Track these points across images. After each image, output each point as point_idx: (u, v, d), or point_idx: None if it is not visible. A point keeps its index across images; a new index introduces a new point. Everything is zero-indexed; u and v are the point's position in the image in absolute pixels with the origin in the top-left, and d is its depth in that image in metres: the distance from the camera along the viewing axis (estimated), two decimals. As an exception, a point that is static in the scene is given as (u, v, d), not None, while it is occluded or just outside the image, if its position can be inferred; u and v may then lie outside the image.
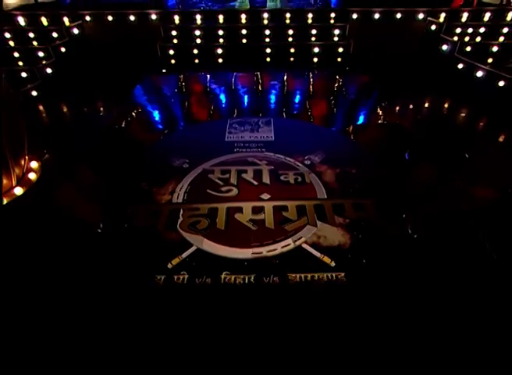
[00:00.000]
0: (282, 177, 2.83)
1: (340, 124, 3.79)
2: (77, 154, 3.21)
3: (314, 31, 5.41)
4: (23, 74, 4.64)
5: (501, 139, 3.82)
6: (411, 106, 4.64)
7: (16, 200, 2.57)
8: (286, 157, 3.06)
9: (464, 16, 5.79)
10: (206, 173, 2.89)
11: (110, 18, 5.54)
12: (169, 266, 2.15)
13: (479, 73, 4.94)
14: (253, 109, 4.00)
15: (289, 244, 2.30)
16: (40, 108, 4.35)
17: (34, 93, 4.53)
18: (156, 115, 4.06)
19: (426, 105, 4.84)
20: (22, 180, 2.75)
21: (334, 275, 2.09)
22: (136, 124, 3.82)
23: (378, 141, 3.48)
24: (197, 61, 5.30)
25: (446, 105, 4.85)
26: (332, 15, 5.61)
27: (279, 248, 2.28)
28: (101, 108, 4.38)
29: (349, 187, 2.77)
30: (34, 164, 2.97)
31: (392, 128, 3.72)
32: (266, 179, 2.81)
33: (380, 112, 4.15)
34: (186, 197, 2.67)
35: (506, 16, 5.80)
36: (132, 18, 5.53)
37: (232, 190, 2.71)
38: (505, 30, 5.60)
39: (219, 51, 5.21)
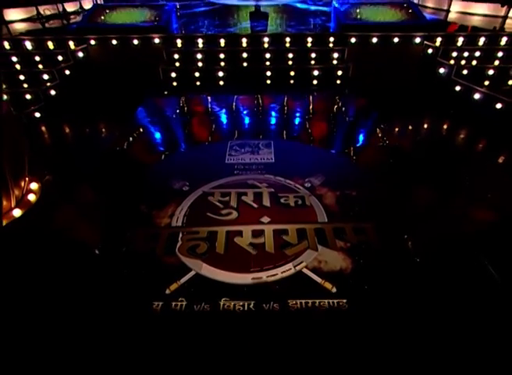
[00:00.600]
0: (282, 200, 2.82)
1: (340, 146, 3.81)
2: (78, 175, 3.21)
3: (313, 55, 5.53)
4: (28, 96, 4.72)
5: (500, 160, 3.84)
6: (410, 127, 4.69)
7: (14, 222, 2.55)
8: (286, 179, 3.06)
9: (460, 41, 5.93)
10: (206, 196, 2.88)
11: (114, 42, 5.68)
12: (167, 291, 2.10)
13: (477, 96, 5.02)
14: (253, 131, 4.04)
15: (289, 269, 2.26)
16: (43, 129, 4.40)
17: (37, 114, 4.60)
18: (157, 136, 4.10)
19: (425, 126, 4.89)
20: (21, 202, 2.75)
21: (335, 302, 2.04)
22: (138, 146, 3.85)
23: (377, 162, 3.50)
24: (198, 83, 5.39)
25: (445, 127, 4.89)
26: (331, 39, 5.75)
27: (279, 273, 2.25)
28: (103, 130, 4.43)
29: (349, 210, 2.75)
30: (34, 185, 2.97)
31: (392, 149, 3.73)
32: (266, 202, 2.80)
33: (379, 134, 4.18)
34: (186, 220, 2.65)
35: (500, 41, 5.94)
36: (135, 42, 5.67)
37: (232, 213, 2.70)
38: (499, 54, 5.73)
39: (220, 73, 5.32)
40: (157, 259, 2.33)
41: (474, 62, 5.72)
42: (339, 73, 5.39)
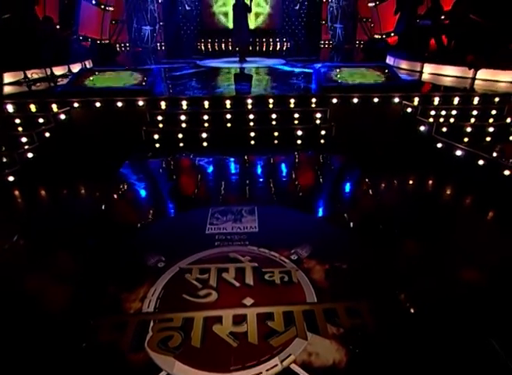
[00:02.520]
0: (266, 276, 2.57)
1: (326, 209, 3.66)
2: (44, 243, 2.96)
3: (296, 115, 5.62)
4: (3, 159, 4.55)
5: (487, 217, 3.74)
6: (397, 186, 4.65)
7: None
8: (271, 251, 2.83)
9: (436, 100, 6.16)
10: (183, 273, 2.62)
11: (98, 104, 5.70)
12: (131, 403, 1.76)
13: (458, 152, 5.08)
14: (237, 195, 3.88)
15: (275, 366, 1.96)
16: (16, 193, 4.20)
17: (11, 178, 4.40)
18: (135, 203, 3.89)
19: (412, 184, 4.87)
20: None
21: (330, 411, 1.73)
22: (113, 213, 3.62)
23: (366, 225, 3.33)
24: (181, 145, 5.34)
25: (429, 183, 4.89)
26: (314, 100, 5.90)
27: (263, 371, 1.93)
28: (78, 195, 4.23)
29: (341, 286, 2.51)
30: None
31: (378, 208, 3.61)
32: (249, 279, 2.54)
33: (366, 195, 4.08)
34: (159, 304, 2.36)
35: (473, 100, 6.21)
36: (119, 104, 5.69)
37: (211, 294, 2.42)
38: (474, 112, 5.96)
39: (204, 135, 5.29)
40: (121, 357, 2.00)
41: (452, 120, 5.91)
42: (323, 132, 5.44)
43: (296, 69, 8.86)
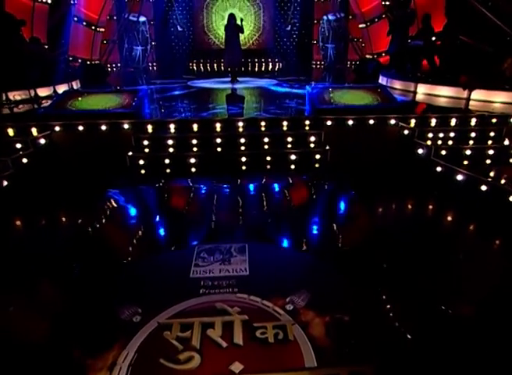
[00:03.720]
0: (258, 333, 2.22)
1: (324, 245, 3.34)
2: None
3: (289, 139, 5.37)
4: (-27, 190, 4.20)
5: (493, 247, 3.51)
6: (397, 214, 4.41)
7: None
8: (264, 300, 2.48)
9: (433, 122, 5.99)
10: (161, 330, 2.25)
11: (81, 128, 5.40)
12: None
13: (459, 177, 4.86)
14: (226, 230, 3.54)
15: None
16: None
17: (-20, 209, 4.04)
18: (115, 237, 3.53)
19: (411, 210, 4.64)
20: None
21: None
22: (88, 250, 3.25)
23: (369, 265, 3.01)
24: (168, 171, 5.03)
25: (431, 210, 4.68)
26: (307, 122, 5.67)
27: None
28: (52, 228, 3.86)
29: (343, 344, 2.17)
30: None
31: (380, 243, 3.31)
32: (238, 337, 2.19)
33: (365, 226, 3.79)
34: (131, 372, 1.99)
35: (470, 122, 6.06)
36: (103, 128, 5.40)
37: (193, 358, 2.06)
38: (472, 134, 5.79)
39: (192, 160, 5.00)
40: None
41: (450, 142, 5.73)
42: (317, 156, 5.18)
43: (288, 90, 8.71)
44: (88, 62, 11.80)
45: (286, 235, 3.44)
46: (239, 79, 9.99)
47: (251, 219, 3.75)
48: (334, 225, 3.66)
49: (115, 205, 4.22)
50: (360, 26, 13.11)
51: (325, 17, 14.67)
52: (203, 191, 4.55)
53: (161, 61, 15.35)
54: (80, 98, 5.91)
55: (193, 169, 5.03)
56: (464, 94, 7.48)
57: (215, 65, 14.64)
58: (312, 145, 5.41)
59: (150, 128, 5.44)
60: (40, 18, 10.11)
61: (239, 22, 9.32)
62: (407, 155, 5.67)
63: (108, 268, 2.90)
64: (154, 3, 14.54)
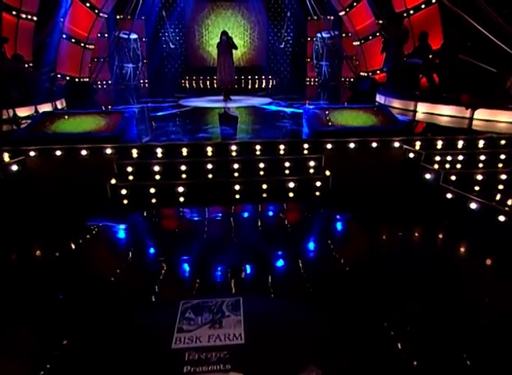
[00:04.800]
0: None
1: (334, 294, 2.85)
2: None
3: (287, 164, 4.94)
4: None
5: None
6: (400, 238, 3.99)
7: None
8: (264, 382, 1.98)
9: (439, 144, 5.63)
10: None
11: (58, 153, 4.92)
12: None
13: (473, 205, 4.46)
14: (216, 278, 3.03)
15: None
16: None
17: None
18: (83, 291, 2.98)
19: (420, 239, 4.19)
20: None
21: None
22: (49, 311, 2.71)
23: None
24: (154, 201, 4.54)
25: (442, 240, 4.27)
26: (306, 146, 5.26)
27: None
28: (29, 264, 3.32)
29: None
30: None
31: (396, 291, 2.85)
32: None
33: (378, 267, 3.32)
34: None
35: (478, 144, 5.72)
36: (84, 153, 4.92)
37: None
38: (482, 157, 5.43)
39: (181, 189, 4.52)
40: None
41: (458, 166, 5.36)
42: (318, 184, 4.74)
43: (284, 109, 8.35)
44: (76, 80, 11.41)
45: (290, 283, 2.94)
46: (232, 97, 9.65)
47: (246, 261, 3.25)
48: (346, 268, 3.18)
49: (88, 243, 3.70)
50: (355, 43, 12.98)
51: (319, 34, 14.57)
52: (191, 226, 4.05)
53: (152, 78, 15.06)
54: (59, 120, 5.45)
55: (182, 199, 4.55)
56: (467, 113, 7.21)
57: (208, 82, 14.37)
58: (312, 171, 4.98)
59: (135, 153, 4.98)
60: (25, 35, 9.74)
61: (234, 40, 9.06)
62: (413, 180, 5.28)
63: (72, 338, 2.36)
64: (146, 20, 14.33)
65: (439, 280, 3.08)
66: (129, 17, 13.30)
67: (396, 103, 8.65)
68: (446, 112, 7.63)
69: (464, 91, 7.57)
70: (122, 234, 3.96)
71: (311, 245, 3.75)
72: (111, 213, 4.29)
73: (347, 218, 4.46)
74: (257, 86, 14.51)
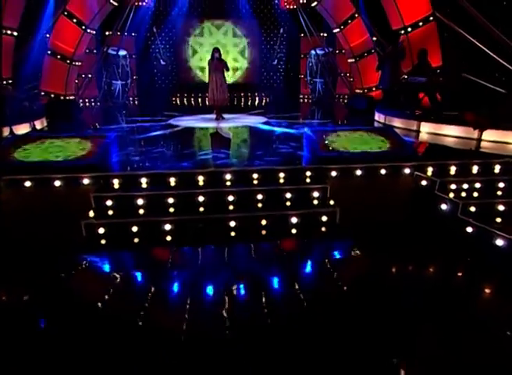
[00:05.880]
0: None
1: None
2: None
3: (288, 195, 4.40)
4: None
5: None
6: (416, 278, 3.56)
7: None
8: None
9: (452, 170, 5.17)
10: None
11: (28, 184, 4.31)
12: None
13: (499, 242, 3.97)
14: (210, 346, 2.42)
15: None
16: None
17: None
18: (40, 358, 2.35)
19: (434, 276, 3.73)
20: None
21: None
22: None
23: None
24: (136, 240, 3.93)
25: (462, 279, 3.75)
26: (308, 173, 4.74)
27: None
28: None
29: None
30: None
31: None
32: None
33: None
34: None
35: (494, 169, 5.28)
36: (57, 183, 4.32)
37: None
38: (500, 184, 4.97)
39: (167, 227, 3.93)
40: None
41: (475, 194, 4.88)
42: (324, 218, 4.19)
43: (280, 130, 7.86)
44: (62, 97, 10.84)
45: (297, 353, 2.33)
46: (225, 116, 9.16)
47: (244, 326, 2.64)
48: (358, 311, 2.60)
49: (55, 299, 3.05)
50: (349, 60, 12.73)
51: (313, 51, 14.35)
52: (178, 279, 3.39)
53: (142, 96, 14.58)
54: (31, 146, 4.85)
55: (169, 238, 3.95)
56: (475, 134, 6.82)
57: (200, 99, 13.94)
58: (316, 202, 4.45)
59: (116, 183, 4.39)
60: (4, 51, 9.18)
61: (226, 57, 8.63)
62: (426, 211, 4.78)
63: None
64: (136, 37, 13.94)
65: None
66: (118, 33, 12.88)
67: (398, 122, 8.25)
68: (451, 133, 7.23)
69: (469, 109, 7.20)
70: (92, 286, 3.31)
71: (321, 294, 3.16)
72: (85, 258, 3.65)
73: (358, 258, 3.90)
74: (250, 103, 14.11)
